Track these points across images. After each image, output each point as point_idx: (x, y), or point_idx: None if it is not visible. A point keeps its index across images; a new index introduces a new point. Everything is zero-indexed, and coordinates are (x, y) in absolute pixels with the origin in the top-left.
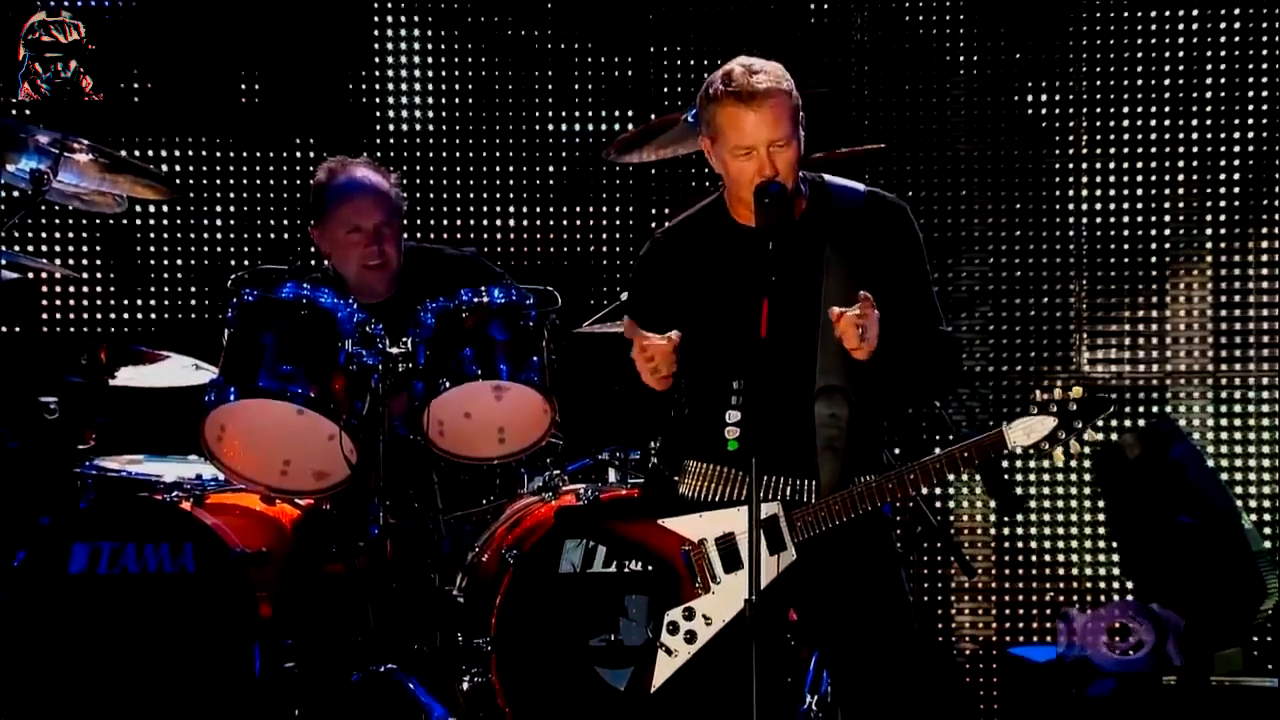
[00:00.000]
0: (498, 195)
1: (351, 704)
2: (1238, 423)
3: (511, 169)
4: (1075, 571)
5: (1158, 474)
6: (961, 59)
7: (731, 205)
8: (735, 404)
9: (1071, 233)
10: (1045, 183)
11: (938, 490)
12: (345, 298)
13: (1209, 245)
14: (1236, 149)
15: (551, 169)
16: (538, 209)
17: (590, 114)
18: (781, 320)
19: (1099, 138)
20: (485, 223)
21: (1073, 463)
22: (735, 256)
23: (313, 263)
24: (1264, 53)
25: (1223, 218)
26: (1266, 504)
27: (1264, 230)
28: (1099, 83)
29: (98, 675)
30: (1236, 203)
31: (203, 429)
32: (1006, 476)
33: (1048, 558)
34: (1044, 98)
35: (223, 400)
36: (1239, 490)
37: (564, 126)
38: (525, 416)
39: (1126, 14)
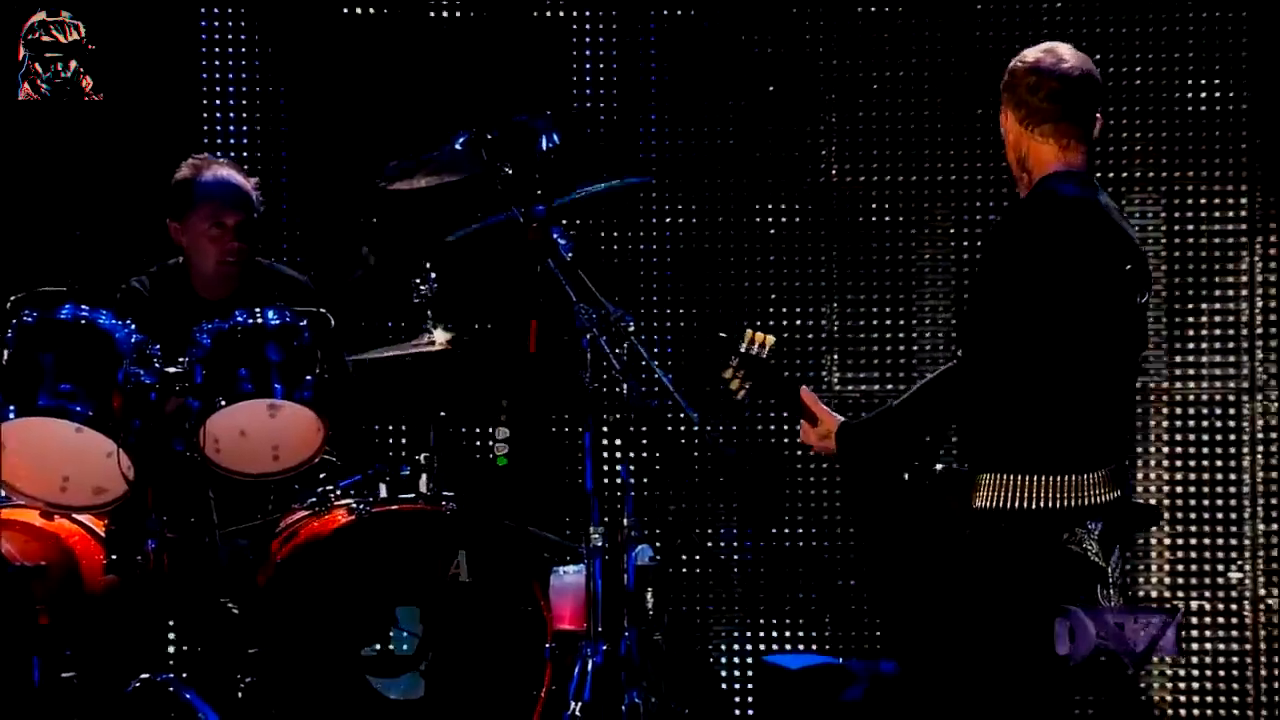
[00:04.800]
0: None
1: (129, 712)
2: None
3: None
4: (833, 579)
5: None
6: (730, 100)
7: None
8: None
9: (823, 256)
10: (799, 209)
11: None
12: (123, 319)
13: (954, 269)
14: (979, 177)
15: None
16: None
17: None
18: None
19: (848, 166)
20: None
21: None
22: None
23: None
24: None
25: (966, 243)
26: None
27: None
28: (846, 112)
29: None
30: (979, 229)
31: None
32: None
33: (801, 568)
34: (795, 127)
35: (1, 418)
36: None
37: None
38: (299, 434)
39: (870, 57)
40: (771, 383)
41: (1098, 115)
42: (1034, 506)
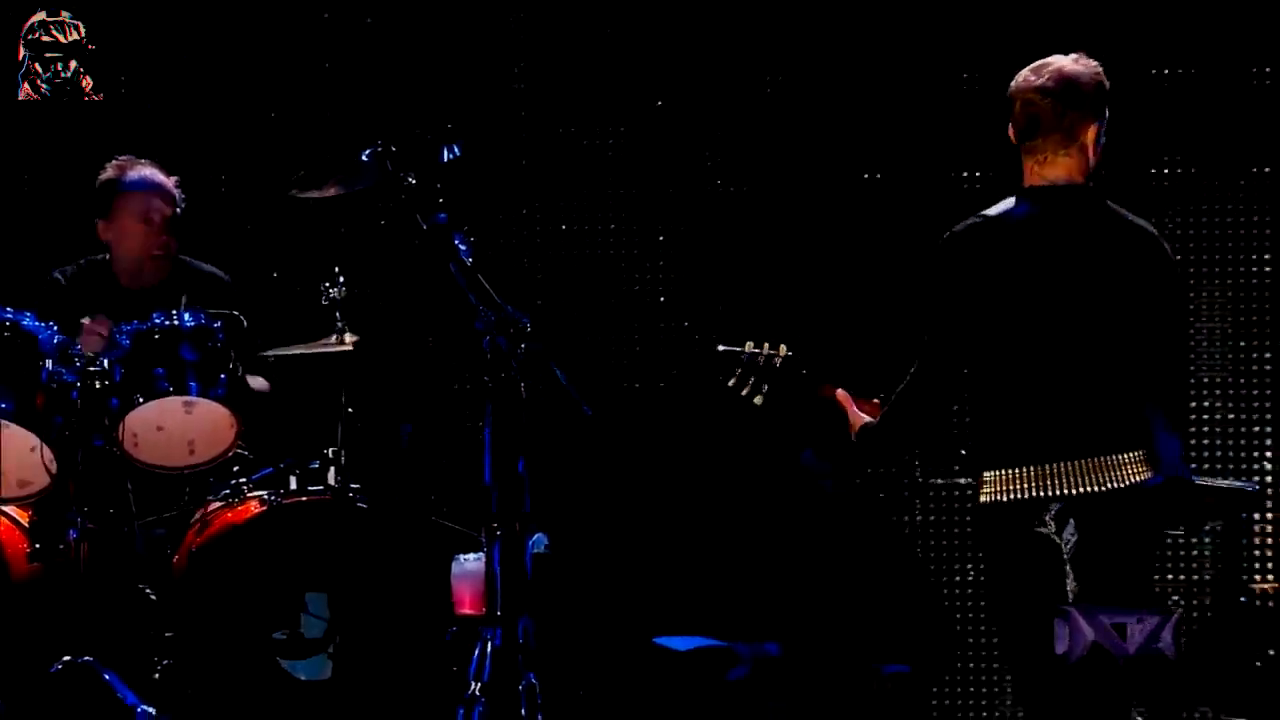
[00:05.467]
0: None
1: (52, 693)
2: None
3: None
4: (720, 560)
5: None
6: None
7: None
8: None
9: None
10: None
11: None
12: (46, 322)
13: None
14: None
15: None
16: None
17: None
18: None
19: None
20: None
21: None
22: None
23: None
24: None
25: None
26: None
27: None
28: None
29: None
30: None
31: None
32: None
33: (693, 555)
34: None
35: None
36: None
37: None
38: (213, 430)
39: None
40: (785, 385)
41: (1088, 123)
42: (1002, 499)
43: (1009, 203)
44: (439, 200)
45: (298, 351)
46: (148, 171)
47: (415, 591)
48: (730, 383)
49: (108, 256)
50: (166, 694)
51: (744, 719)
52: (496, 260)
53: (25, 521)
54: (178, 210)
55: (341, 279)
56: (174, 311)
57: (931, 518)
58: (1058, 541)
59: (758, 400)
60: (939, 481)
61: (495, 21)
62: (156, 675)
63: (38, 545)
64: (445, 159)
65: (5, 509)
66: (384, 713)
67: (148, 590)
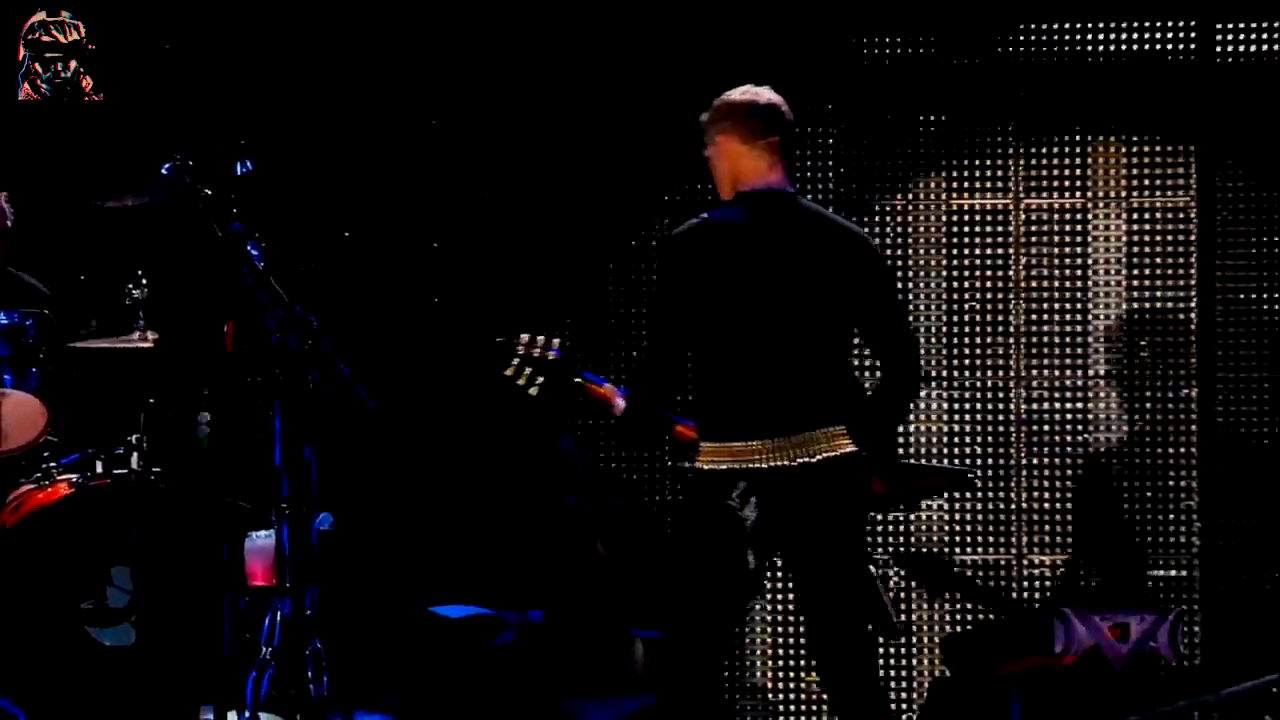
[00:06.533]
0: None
1: None
2: None
3: None
4: (491, 536)
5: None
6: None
7: None
8: None
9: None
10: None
11: None
12: None
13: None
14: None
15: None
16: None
17: None
18: None
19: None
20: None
21: None
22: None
23: None
24: None
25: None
26: None
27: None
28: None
29: None
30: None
31: None
32: None
33: (471, 527)
34: None
35: None
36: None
37: None
38: (25, 418)
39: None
40: (557, 378)
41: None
42: (703, 468)
43: (722, 207)
44: (233, 210)
45: (103, 345)
46: None
47: (210, 565)
48: (508, 372)
49: None
50: None
51: (510, 679)
52: (285, 265)
53: None
54: (7, 224)
55: (145, 281)
56: None
57: (680, 498)
58: (741, 517)
59: (533, 391)
60: (685, 465)
61: (286, 42)
62: None
63: None
64: (239, 172)
65: None
66: (183, 676)
67: None
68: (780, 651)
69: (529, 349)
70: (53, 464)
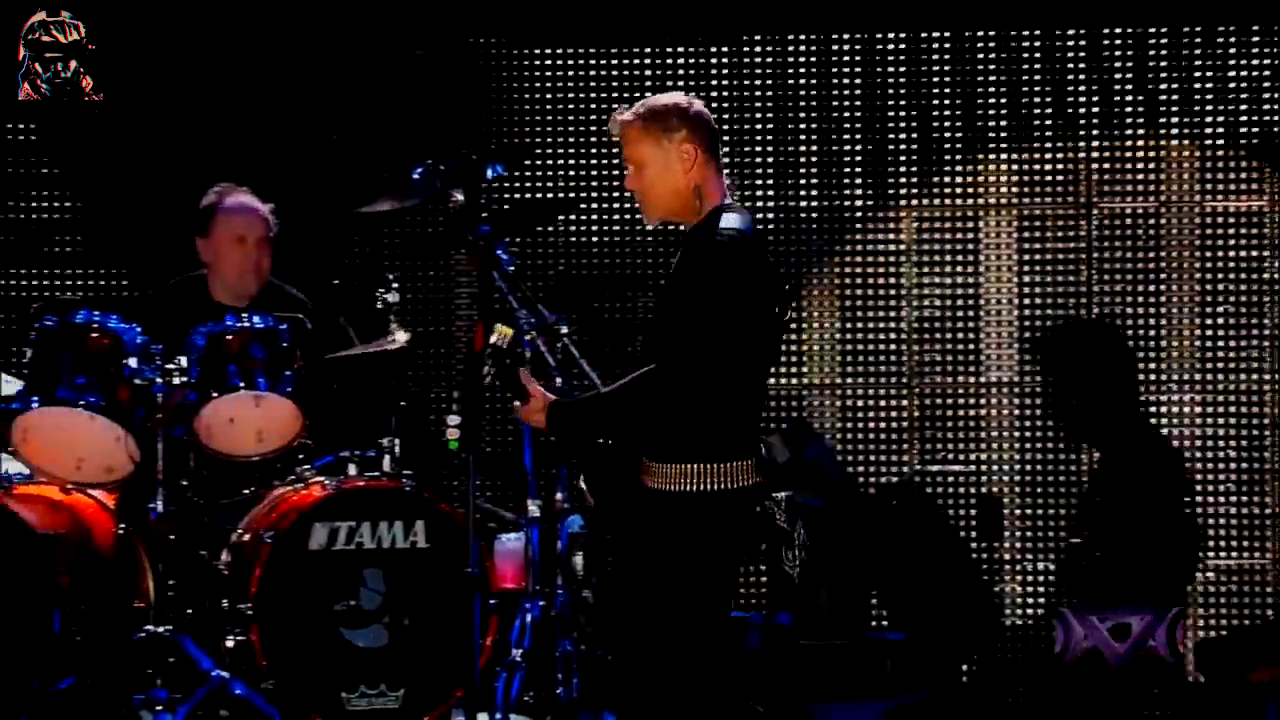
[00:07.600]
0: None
1: (135, 657)
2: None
3: None
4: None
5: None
6: None
7: None
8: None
9: None
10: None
11: None
12: (130, 324)
13: (838, 275)
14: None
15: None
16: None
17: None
18: None
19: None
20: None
21: None
22: None
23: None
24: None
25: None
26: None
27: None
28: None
29: None
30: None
31: (10, 432)
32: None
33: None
34: None
35: (26, 408)
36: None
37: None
38: (280, 421)
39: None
40: (502, 368)
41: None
42: (701, 489)
43: (738, 216)
44: (482, 214)
45: (356, 353)
46: (245, 198)
47: (461, 568)
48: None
49: (203, 272)
50: (239, 660)
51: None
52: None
53: (111, 504)
54: (270, 234)
55: (395, 285)
56: (244, 314)
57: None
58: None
59: (488, 379)
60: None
61: None
62: (229, 643)
63: (123, 525)
64: (490, 176)
65: (94, 493)
66: (435, 674)
67: (220, 565)
68: None
69: (496, 338)
70: (307, 467)
